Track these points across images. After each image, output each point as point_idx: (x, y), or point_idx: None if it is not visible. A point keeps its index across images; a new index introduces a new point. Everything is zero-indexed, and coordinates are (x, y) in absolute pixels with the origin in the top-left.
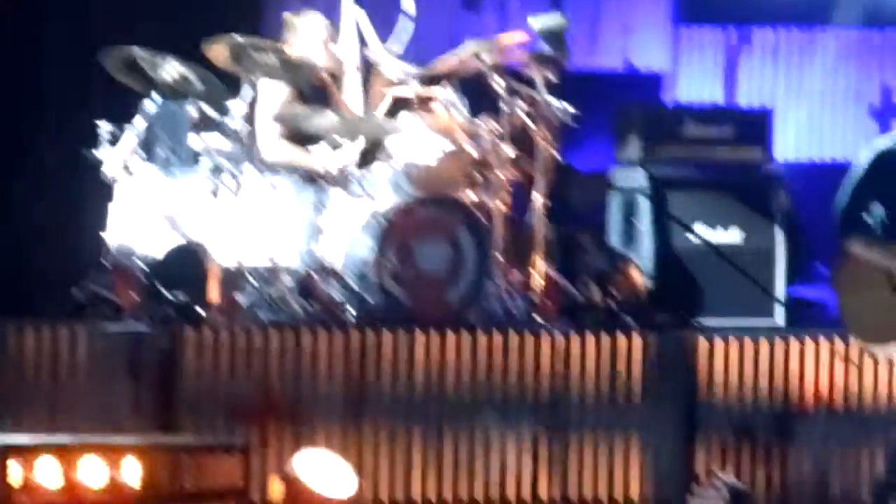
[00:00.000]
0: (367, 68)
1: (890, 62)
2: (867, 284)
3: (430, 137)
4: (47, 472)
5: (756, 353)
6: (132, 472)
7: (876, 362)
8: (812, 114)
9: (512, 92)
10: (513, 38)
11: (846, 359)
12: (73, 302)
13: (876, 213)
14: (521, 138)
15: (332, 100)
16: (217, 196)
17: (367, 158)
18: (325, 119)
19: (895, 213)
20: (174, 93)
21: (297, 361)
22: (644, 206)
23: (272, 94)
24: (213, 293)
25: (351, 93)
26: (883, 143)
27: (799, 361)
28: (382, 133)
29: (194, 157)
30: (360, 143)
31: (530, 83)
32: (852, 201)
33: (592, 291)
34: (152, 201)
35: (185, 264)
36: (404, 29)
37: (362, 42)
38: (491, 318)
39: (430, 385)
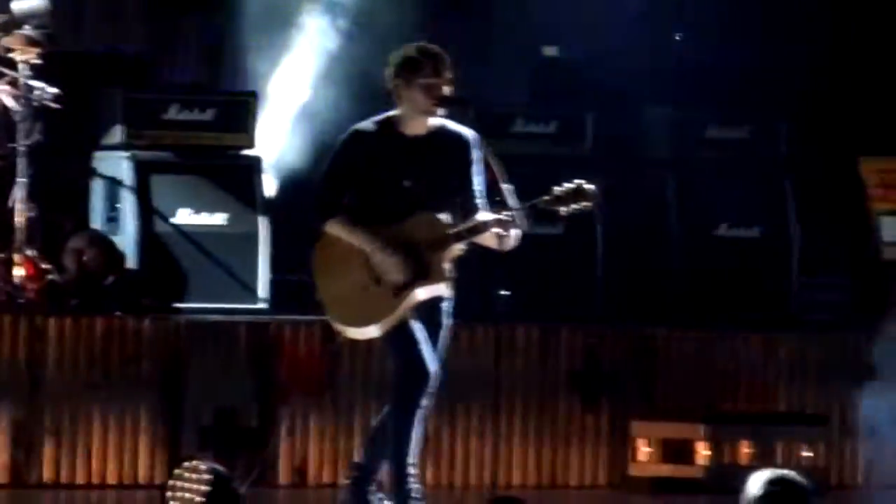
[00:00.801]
0: None
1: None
2: (344, 267)
3: None
4: None
5: (239, 337)
6: None
7: (356, 346)
8: (299, 99)
9: None
10: None
11: (333, 343)
12: None
13: (351, 197)
14: (2, 121)
15: None
16: None
17: None
18: None
19: (362, 196)
20: None
21: None
22: (127, 190)
23: None
24: None
25: None
26: (360, 127)
27: (282, 346)
28: None
29: None
30: None
31: (12, 65)
32: (328, 184)
33: (74, 275)
34: None
35: None
36: None
37: None
38: None
39: None
